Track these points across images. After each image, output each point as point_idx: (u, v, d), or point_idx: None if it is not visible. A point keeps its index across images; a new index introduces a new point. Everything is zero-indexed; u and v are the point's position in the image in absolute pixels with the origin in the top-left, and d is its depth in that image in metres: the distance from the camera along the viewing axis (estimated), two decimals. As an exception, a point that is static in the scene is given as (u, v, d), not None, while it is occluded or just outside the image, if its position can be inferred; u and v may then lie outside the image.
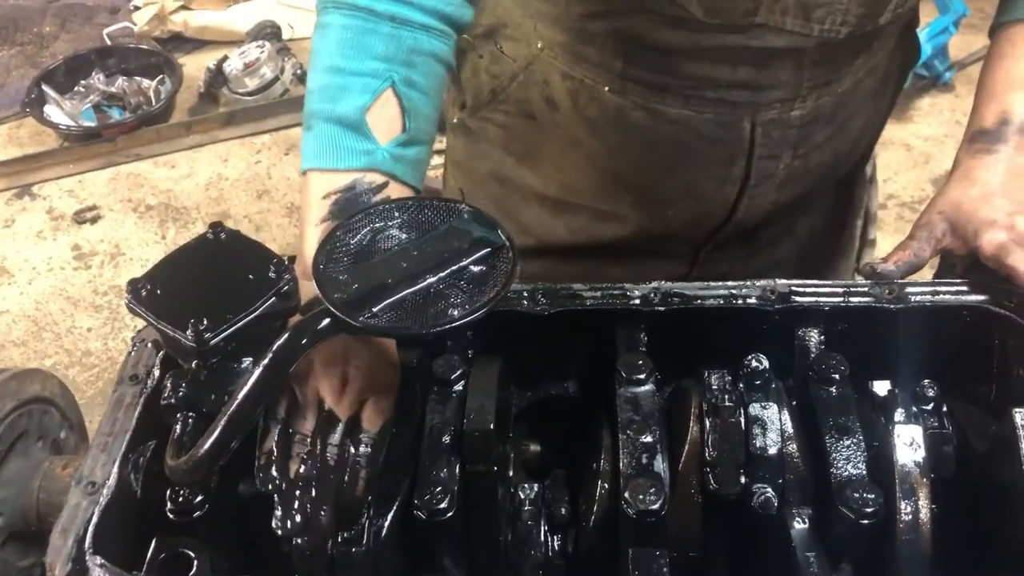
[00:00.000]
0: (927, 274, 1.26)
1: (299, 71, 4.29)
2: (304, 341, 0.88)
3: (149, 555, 0.96)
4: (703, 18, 1.20)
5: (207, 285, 1.00)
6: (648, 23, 1.24)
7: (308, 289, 0.94)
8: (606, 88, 1.33)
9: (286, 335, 0.87)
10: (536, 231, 1.52)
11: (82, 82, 4.26)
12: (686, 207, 1.44)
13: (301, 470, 0.95)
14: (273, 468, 0.95)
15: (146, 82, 4.27)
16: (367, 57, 1.08)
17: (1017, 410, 0.97)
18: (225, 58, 4.22)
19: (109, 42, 4.54)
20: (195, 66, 4.43)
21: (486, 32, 1.44)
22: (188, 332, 0.93)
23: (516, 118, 1.47)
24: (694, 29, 1.22)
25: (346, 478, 0.96)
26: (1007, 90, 1.26)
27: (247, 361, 0.97)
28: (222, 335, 0.94)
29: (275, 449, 0.96)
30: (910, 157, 3.83)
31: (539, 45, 1.37)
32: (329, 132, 1.06)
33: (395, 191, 1.05)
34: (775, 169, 1.39)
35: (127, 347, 1.15)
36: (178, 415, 0.96)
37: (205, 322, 0.93)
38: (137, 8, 4.72)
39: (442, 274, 0.88)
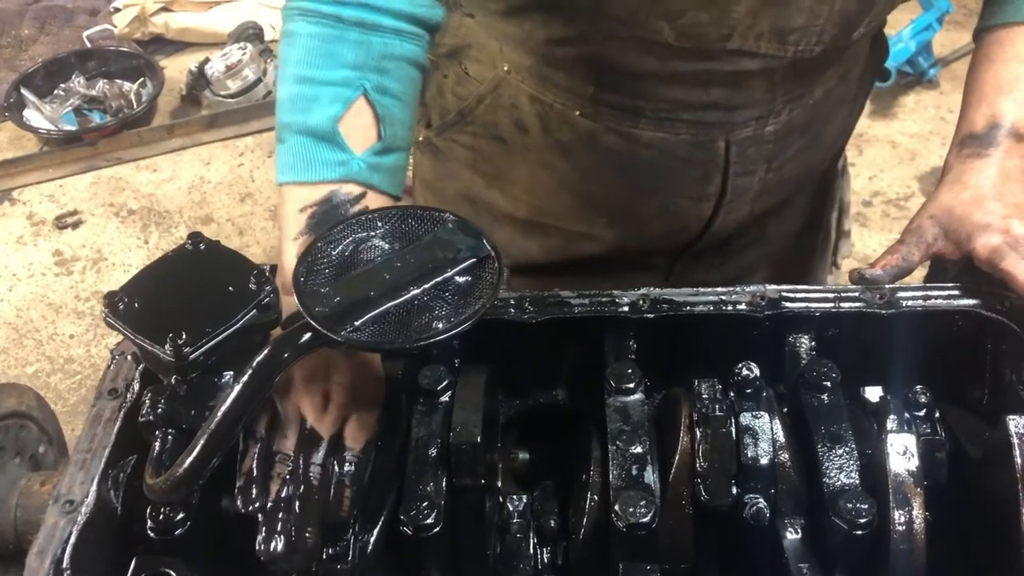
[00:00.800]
0: (918, 277, 1.25)
1: (282, 73, 4.26)
2: (286, 356, 0.86)
3: (129, 574, 0.94)
4: (675, 43, 1.18)
5: (186, 297, 0.98)
6: (618, 49, 1.23)
7: (289, 303, 0.92)
8: (577, 112, 1.32)
9: (267, 350, 0.85)
10: (509, 251, 1.50)
11: (62, 85, 4.21)
12: (662, 224, 1.44)
13: (284, 492, 0.93)
14: (254, 489, 0.93)
15: (127, 85, 4.22)
16: (337, 65, 1.05)
17: (1011, 417, 0.96)
18: (207, 60, 4.19)
19: (89, 45, 4.49)
20: (176, 68, 4.39)
21: (450, 52, 1.41)
22: (167, 347, 0.92)
23: (484, 140, 1.45)
24: (665, 54, 1.21)
25: (330, 497, 0.94)
26: (995, 93, 1.25)
27: (228, 375, 0.95)
28: (202, 349, 0.93)
29: (255, 469, 0.93)
30: (895, 154, 3.83)
31: (505, 68, 1.35)
32: (302, 144, 1.04)
33: (373, 201, 1.03)
34: (750, 184, 1.39)
35: (110, 354, 1.12)
36: (157, 432, 0.94)
37: (184, 336, 0.92)
38: (117, 10, 4.67)
39: (426, 286, 0.86)
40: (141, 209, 3.80)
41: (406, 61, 1.09)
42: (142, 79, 4.23)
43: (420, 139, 1.55)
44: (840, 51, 1.28)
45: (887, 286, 1.14)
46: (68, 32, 4.65)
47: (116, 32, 4.54)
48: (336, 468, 0.95)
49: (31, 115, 4.10)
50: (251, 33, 4.38)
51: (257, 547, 0.91)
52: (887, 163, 3.79)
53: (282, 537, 0.90)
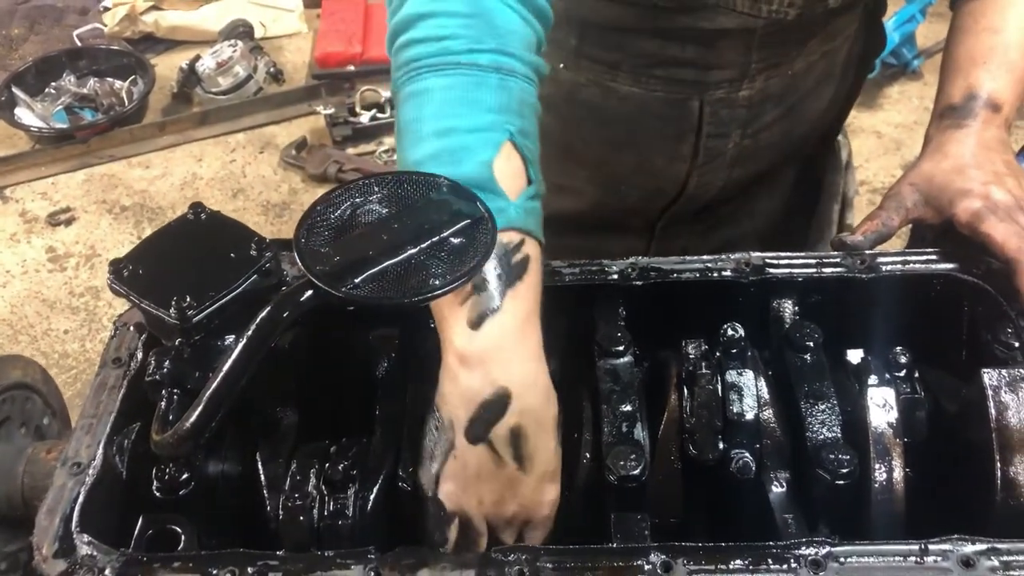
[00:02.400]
0: (898, 245, 1.29)
1: (272, 69, 4.29)
2: (286, 314, 0.89)
3: (136, 532, 0.97)
4: (657, 2, 1.22)
5: (189, 264, 1.01)
6: (602, 4, 1.27)
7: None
8: (560, 65, 1.36)
9: (268, 308, 0.88)
10: None
11: (53, 84, 4.23)
12: (638, 182, 1.48)
13: None
14: None
15: (118, 83, 4.24)
16: (481, 111, 0.99)
17: (985, 370, 1.00)
18: (197, 57, 4.21)
19: (79, 43, 4.51)
20: (167, 66, 4.41)
21: None
22: (171, 310, 0.95)
23: None
24: (645, 9, 1.25)
25: None
26: (971, 66, 1.28)
27: (230, 338, 0.98)
28: (205, 312, 0.96)
29: None
30: (881, 144, 3.88)
31: None
32: None
33: (531, 249, 0.97)
34: (724, 147, 1.42)
35: (112, 325, 1.15)
36: (163, 391, 0.97)
37: (188, 300, 0.95)
38: (107, 9, 4.68)
39: (423, 245, 0.89)
40: (134, 206, 3.82)
41: (533, 108, 1.06)
42: (133, 77, 4.25)
43: None
44: (821, 23, 1.32)
45: (867, 252, 1.18)
46: (58, 31, 4.67)
47: (106, 31, 4.56)
48: None
49: (23, 113, 4.11)
50: (241, 31, 4.41)
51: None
52: (872, 153, 3.83)
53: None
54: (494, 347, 0.93)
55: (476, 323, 0.93)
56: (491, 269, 0.94)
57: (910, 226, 1.28)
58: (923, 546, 0.90)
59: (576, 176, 1.49)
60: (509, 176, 0.98)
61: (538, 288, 0.98)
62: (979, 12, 1.30)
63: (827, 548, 0.90)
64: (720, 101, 1.37)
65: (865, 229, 1.22)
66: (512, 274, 0.95)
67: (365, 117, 3.99)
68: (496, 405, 0.92)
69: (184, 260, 1.02)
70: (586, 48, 1.34)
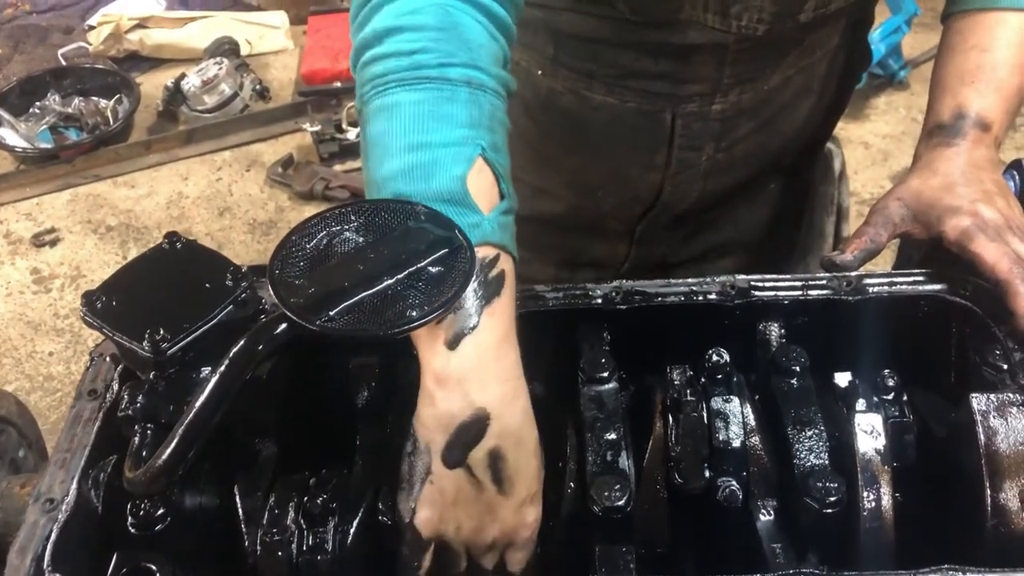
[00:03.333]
0: (884, 264, 1.28)
1: (258, 87, 4.28)
2: (260, 347, 0.87)
3: (110, 570, 0.95)
4: (629, 16, 1.24)
5: (164, 295, 0.99)
6: (576, 18, 1.29)
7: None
8: (539, 72, 1.38)
9: (242, 341, 0.87)
10: None
11: (37, 104, 4.21)
12: (614, 189, 1.49)
13: None
14: None
15: (103, 102, 4.23)
16: (452, 125, 0.98)
17: (974, 395, 0.98)
18: (183, 76, 4.19)
19: (64, 63, 4.49)
20: (153, 84, 4.39)
21: None
22: (144, 343, 0.93)
23: None
24: (618, 25, 1.26)
25: None
26: (959, 84, 1.28)
27: (206, 370, 0.96)
28: (179, 344, 0.94)
29: None
30: (868, 155, 3.88)
31: None
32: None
33: (505, 264, 0.96)
34: (697, 160, 1.43)
35: (89, 356, 1.13)
36: (136, 427, 0.95)
37: (161, 332, 0.93)
38: (92, 28, 4.67)
39: (400, 276, 0.88)
40: (119, 225, 3.79)
41: (502, 122, 1.05)
42: (118, 96, 4.23)
43: None
44: (793, 38, 1.32)
45: (854, 274, 1.17)
46: (42, 51, 4.65)
47: (91, 50, 4.55)
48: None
49: (6, 134, 4.09)
50: (227, 48, 4.39)
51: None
52: (860, 164, 3.83)
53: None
54: (471, 367, 0.92)
55: (453, 343, 0.92)
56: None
57: (897, 248, 1.27)
58: (913, 576, 0.89)
59: (553, 180, 1.52)
60: (482, 191, 0.97)
61: (513, 304, 0.97)
62: (968, 30, 1.29)
63: (815, 579, 0.89)
64: (692, 115, 1.37)
65: (854, 248, 1.21)
66: (489, 291, 0.94)
67: (352, 134, 3.98)
68: (474, 427, 0.91)
69: (159, 291, 1.00)
70: (562, 57, 1.35)
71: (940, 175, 1.22)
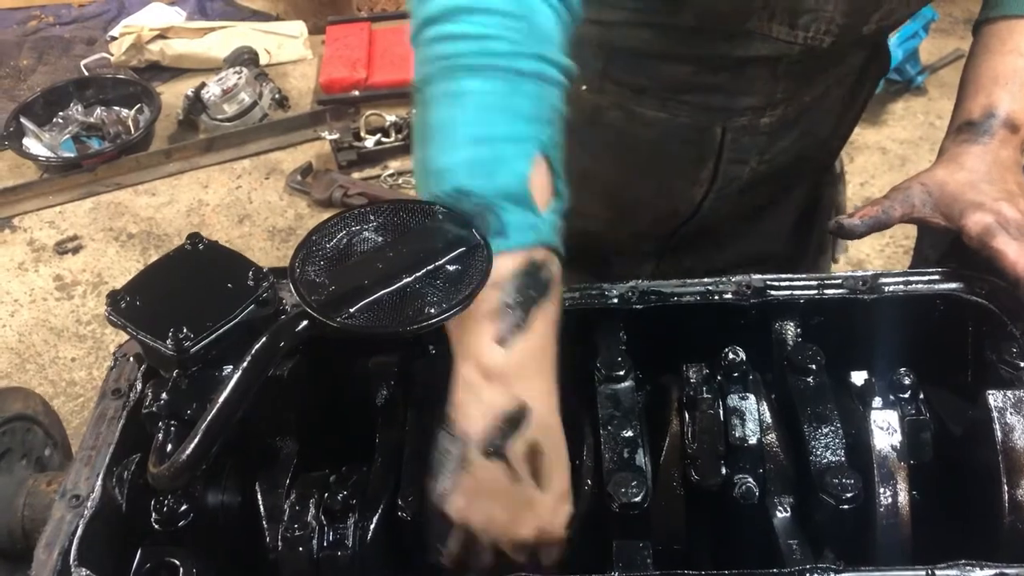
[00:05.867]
0: (901, 265, 1.28)
1: (277, 95, 4.31)
2: (282, 344, 0.89)
3: (135, 565, 0.96)
4: (693, 25, 1.21)
5: (186, 295, 1.01)
6: (635, 31, 1.26)
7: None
8: (584, 87, 1.34)
9: (264, 338, 0.88)
10: None
11: (60, 114, 4.26)
12: (654, 206, 1.47)
13: None
14: None
15: (125, 111, 4.27)
16: (518, 120, 0.97)
17: (990, 392, 0.99)
18: (203, 85, 4.23)
19: (87, 73, 4.54)
20: (173, 94, 4.44)
21: None
22: (168, 341, 0.94)
23: None
24: (679, 36, 1.24)
25: None
26: (993, 84, 1.27)
27: (227, 368, 0.98)
28: (202, 343, 0.95)
29: None
30: (886, 160, 3.87)
31: None
32: (480, 204, 0.94)
33: (555, 267, 0.97)
34: (742, 172, 1.42)
35: (112, 356, 1.15)
36: (160, 423, 0.96)
37: (185, 331, 0.95)
38: (114, 39, 4.73)
39: (418, 274, 0.89)
40: (140, 233, 3.83)
41: (561, 112, 1.02)
42: (139, 105, 4.28)
43: None
44: (847, 49, 1.30)
45: (869, 272, 1.17)
46: (66, 61, 4.71)
47: (113, 60, 4.60)
48: None
49: (30, 143, 4.14)
50: (246, 58, 4.43)
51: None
52: (877, 169, 3.82)
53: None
54: (519, 364, 0.93)
55: (503, 339, 0.93)
56: (519, 287, 0.94)
57: (913, 249, 1.27)
58: (930, 572, 0.89)
59: (590, 198, 1.47)
60: (539, 190, 0.97)
61: (559, 306, 0.98)
62: (1005, 33, 1.29)
63: (832, 574, 0.89)
64: (742, 128, 1.36)
65: (864, 213, 1.21)
66: (540, 292, 0.95)
67: (370, 142, 4.01)
68: (515, 420, 0.92)
69: (181, 291, 1.02)
70: (612, 71, 1.32)
71: (966, 170, 1.22)
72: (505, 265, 0.93)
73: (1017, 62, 1.27)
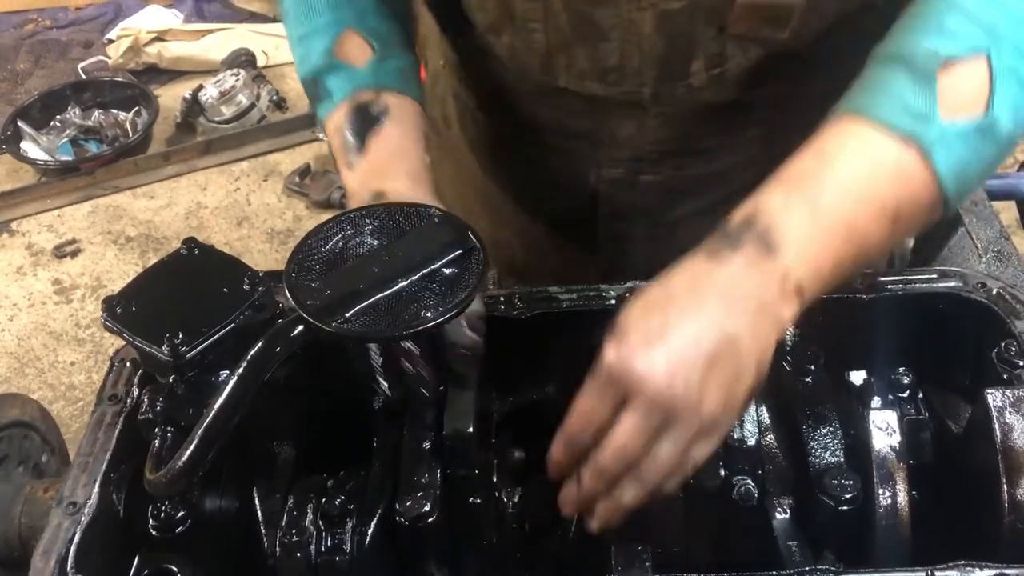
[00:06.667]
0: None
1: (275, 97, 4.31)
2: (278, 349, 0.88)
3: (132, 571, 0.96)
4: (517, 79, 1.22)
5: (182, 300, 1.01)
6: (492, 66, 1.24)
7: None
8: (482, 114, 1.35)
9: (260, 343, 0.88)
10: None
11: (58, 117, 4.25)
12: (558, 234, 1.43)
13: None
14: None
15: (122, 114, 4.26)
16: (315, 14, 1.16)
17: (989, 391, 0.98)
18: (200, 87, 4.23)
19: (84, 76, 4.53)
20: (171, 96, 4.43)
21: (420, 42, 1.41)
22: (164, 347, 0.94)
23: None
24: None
25: None
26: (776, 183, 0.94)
27: (224, 373, 0.97)
28: (198, 348, 0.95)
29: None
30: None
31: (441, 62, 1.37)
32: (314, 84, 1.16)
33: (391, 101, 1.12)
34: (627, 230, 1.34)
35: (110, 361, 1.14)
36: (156, 430, 0.96)
37: (180, 336, 0.94)
38: (111, 41, 4.72)
39: (414, 277, 0.89)
40: (139, 236, 3.83)
41: None
42: (137, 108, 4.27)
43: None
44: (740, 110, 1.18)
45: (867, 271, 1.16)
46: (63, 64, 4.70)
47: (110, 63, 4.59)
48: None
49: (28, 147, 4.13)
50: (244, 60, 4.42)
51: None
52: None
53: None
54: (364, 175, 1.10)
55: (349, 164, 1.11)
56: (351, 124, 1.11)
57: (911, 249, 1.27)
58: (930, 573, 0.89)
59: (501, 221, 1.45)
60: (351, 53, 1.14)
61: (412, 122, 1.14)
62: (823, 129, 0.96)
63: (832, 576, 0.89)
64: (616, 182, 1.28)
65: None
66: (372, 122, 1.11)
67: (368, 143, 4.00)
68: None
69: (177, 296, 1.01)
70: (493, 102, 1.32)
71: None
72: (338, 115, 1.12)
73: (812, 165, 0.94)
